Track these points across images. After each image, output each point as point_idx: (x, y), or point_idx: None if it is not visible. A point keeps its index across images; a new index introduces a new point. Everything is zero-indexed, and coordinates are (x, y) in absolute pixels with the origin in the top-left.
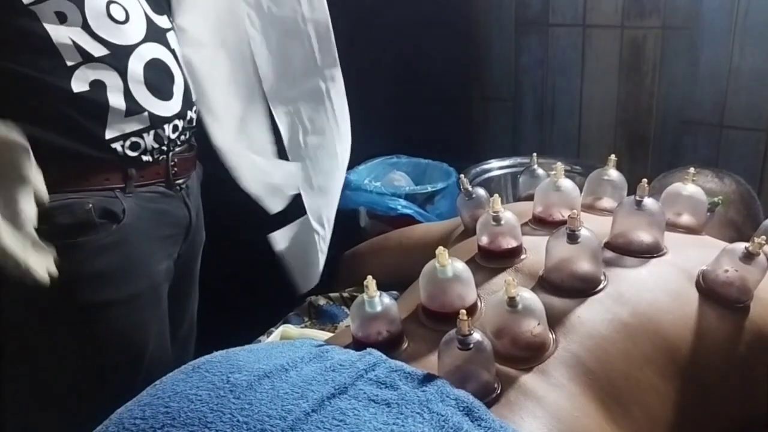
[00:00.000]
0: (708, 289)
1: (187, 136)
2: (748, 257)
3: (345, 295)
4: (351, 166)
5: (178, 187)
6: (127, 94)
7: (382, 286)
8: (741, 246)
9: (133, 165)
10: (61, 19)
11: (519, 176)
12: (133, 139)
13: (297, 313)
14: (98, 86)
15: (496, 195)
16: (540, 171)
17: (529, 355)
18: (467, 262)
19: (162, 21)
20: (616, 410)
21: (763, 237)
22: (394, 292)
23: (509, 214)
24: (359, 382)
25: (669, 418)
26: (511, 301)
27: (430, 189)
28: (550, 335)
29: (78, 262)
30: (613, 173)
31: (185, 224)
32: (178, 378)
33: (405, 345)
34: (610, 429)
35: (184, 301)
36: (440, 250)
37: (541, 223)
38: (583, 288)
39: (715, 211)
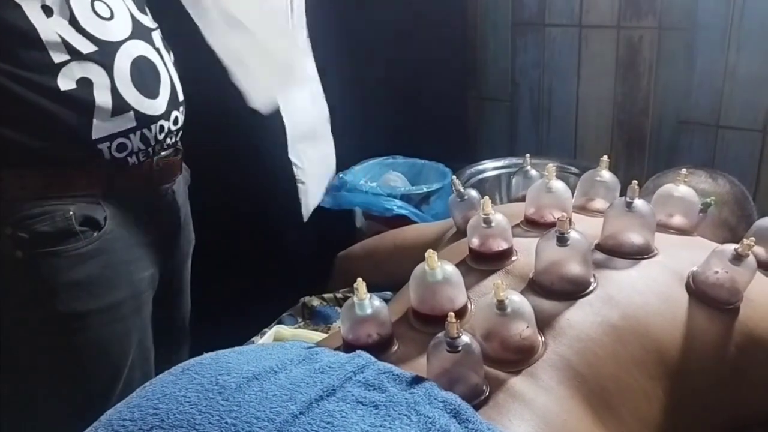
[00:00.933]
0: (698, 290)
1: (173, 139)
2: (738, 258)
3: (339, 296)
4: (347, 166)
5: (163, 192)
6: (114, 92)
7: (375, 288)
8: (730, 247)
9: (118, 168)
10: (48, 13)
11: (512, 177)
12: (120, 139)
13: (291, 313)
14: (85, 84)
15: (487, 197)
16: (533, 172)
17: (518, 357)
18: (458, 264)
19: (146, 20)
20: (605, 413)
21: (753, 238)
22: (387, 293)
23: (500, 216)
24: (347, 384)
25: (658, 420)
26: (500, 305)
27: (425, 189)
28: (540, 338)
29: (58, 270)
30: (606, 174)
31: (172, 229)
32: (167, 380)
33: (395, 347)
34: (598, 431)
35: (175, 305)
36: (429, 253)
37: (533, 225)
38: (573, 290)
39: (707, 211)
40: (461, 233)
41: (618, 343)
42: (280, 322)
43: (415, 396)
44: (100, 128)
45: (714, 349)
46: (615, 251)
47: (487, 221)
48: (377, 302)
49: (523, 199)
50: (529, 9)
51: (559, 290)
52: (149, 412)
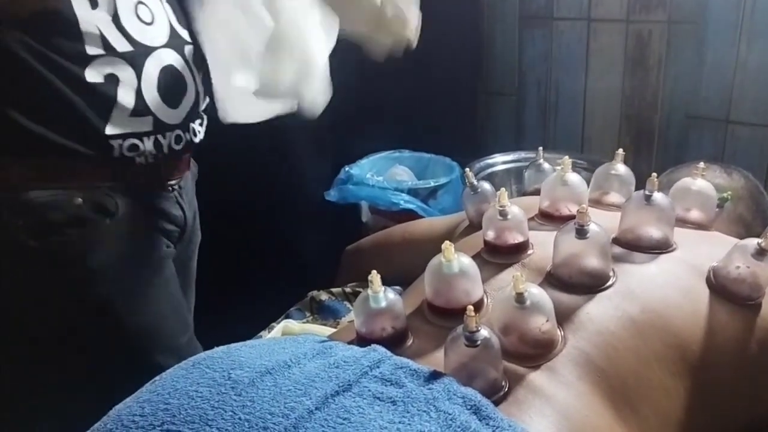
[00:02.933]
0: (719, 285)
1: (190, 149)
2: (761, 253)
3: (347, 290)
4: (353, 160)
5: (170, 188)
6: (138, 94)
7: (385, 282)
8: (753, 242)
9: (125, 165)
10: (93, 5)
11: (524, 171)
12: (133, 140)
13: (299, 308)
14: (112, 80)
15: (503, 189)
16: (546, 165)
17: (537, 352)
18: (473, 258)
19: (184, 33)
20: (626, 409)
21: None
22: (398, 288)
23: (516, 209)
24: (364, 380)
25: (678, 416)
26: (519, 297)
27: (432, 184)
28: (559, 332)
29: (74, 258)
30: (621, 168)
31: (180, 223)
32: (178, 374)
33: (409, 341)
34: (619, 428)
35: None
36: (446, 244)
37: (548, 218)
38: (592, 284)
39: (723, 206)
40: (474, 227)
41: (638, 338)
42: (288, 317)
43: (433, 392)
44: (115, 125)
45: (735, 345)
46: (633, 245)
47: (503, 213)
48: (392, 295)
49: (535, 192)
50: (537, 2)
51: (577, 284)
52: (160, 407)
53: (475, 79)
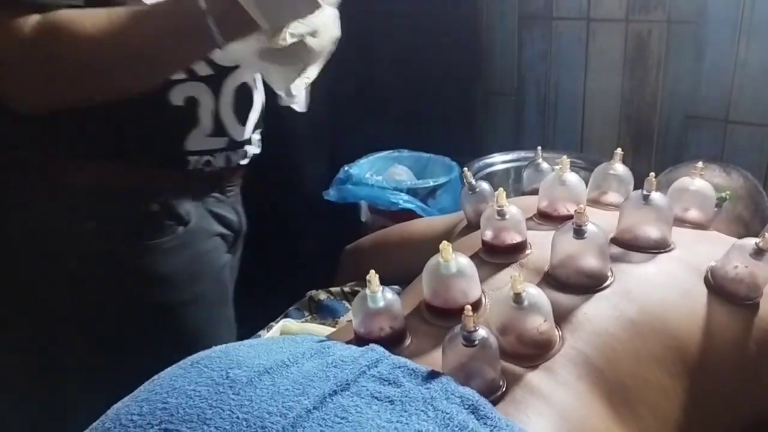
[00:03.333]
0: (717, 285)
1: (251, 159)
2: (759, 253)
3: (346, 289)
4: (353, 159)
5: (227, 194)
6: (215, 116)
7: (383, 281)
8: (751, 242)
9: (195, 174)
10: None
11: (523, 170)
12: (207, 157)
13: (297, 307)
14: (192, 103)
15: (501, 189)
16: (545, 165)
17: (535, 352)
18: (471, 257)
19: None
20: (624, 409)
21: None
22: (396, 287)
23: (514, 209)
24: (362, 379)
25: (677, 417)
26: (517, 298)
27: (432, 183)
28: (557, 332)
29: (145, 264)
30: (620, 167)
31: (236, 227)
32: (177, 373)
33: (408, 341)
34: (616, 428)
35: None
36: (444, 244)
37: (546, 218)
38: (590, 284)
39: (722, 206)
40: (472, 226)
41: (636, 339)
42: (286, 316)
43: (431, 391)
44: (193, 143)
45: (733, 346)
46: (631, 245)
47: (501, 213)
48: (390, 295)
49: (534, 192)
50: (536, 2)
51: (575, 284)
52: (158, 407)
53: (475, 78)
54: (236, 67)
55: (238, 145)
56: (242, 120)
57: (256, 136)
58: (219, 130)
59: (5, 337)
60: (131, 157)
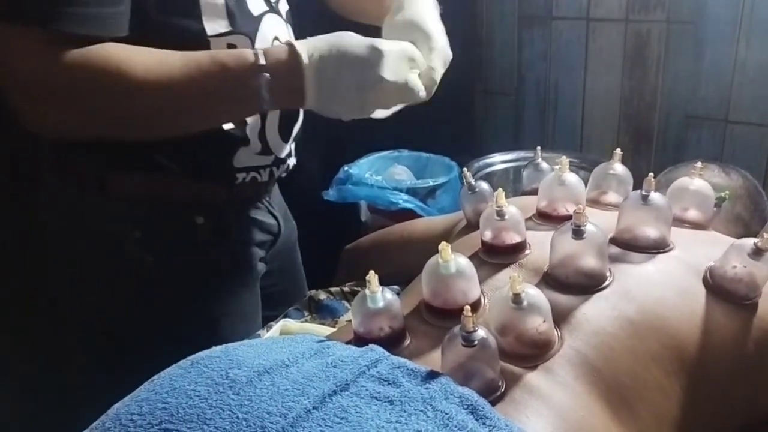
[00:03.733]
0: (716, 285)
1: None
2: (757, 253)
3: (346, 289)
4: (352, 159)
5: (264, 202)
6: (261, 136)
7: (383, 281)
8: (750, 242)
9: (240, 187)
10: None
11: (522, 170)
12: (253, 173)
13: (297, 307)
14: (241, 124)
15: (501, 189)
16: (544, 165)
17: (534, 352)
18: (470, 258)
19: None
20: (622, 409)
21: None
22: (396, 287)
23: (513, 209)
24: (361, 379)
25: (675, 416)
26: (516, 298)
27: (431, 183)
28: (556, 332)
29: (190, 277)
30: (619, 167)
31: (274, 231)
32: (177, 373)
33: (407, 341)
34: (615, 428)
35: (290, 296)
36: (443, 245)
37: (546, 218)
38: (589, 284)
39: (721, 206)
40: (471, 226)
41: (635, 338)
42: (286, 316)
43: (430, 391)
44: (242, 160)
45: (732, 345)
46: (630, 245)
47: (501, 213)
48: (389, 295)
49: (533, 192)
50: (536, 2)
51: (574, 284)
52: (158, 406)
53: (474, 78)
54: None
55: (282, 161)
56: (286, 138)
57: (294, 148)
58: (266, 148)
59: (23, 339)
60: (180, 172)
